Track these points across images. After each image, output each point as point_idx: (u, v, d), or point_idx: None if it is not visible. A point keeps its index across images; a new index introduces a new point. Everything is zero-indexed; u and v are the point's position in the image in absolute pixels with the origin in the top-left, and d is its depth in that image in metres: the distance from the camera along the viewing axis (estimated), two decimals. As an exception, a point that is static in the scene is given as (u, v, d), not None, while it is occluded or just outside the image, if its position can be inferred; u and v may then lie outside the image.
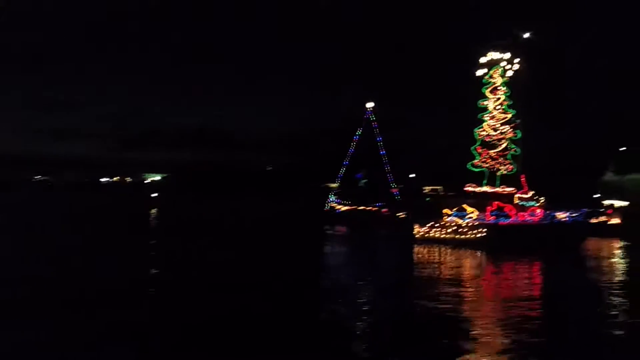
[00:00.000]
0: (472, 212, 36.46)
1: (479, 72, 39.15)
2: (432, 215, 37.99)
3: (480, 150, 38.94)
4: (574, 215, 35.42)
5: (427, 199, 56.02)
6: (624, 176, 70.87)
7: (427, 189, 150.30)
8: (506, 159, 38.23)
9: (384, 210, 50.80)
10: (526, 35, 38.69)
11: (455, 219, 36.67)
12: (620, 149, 77.35)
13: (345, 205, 52.27)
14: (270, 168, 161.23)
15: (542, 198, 37.52)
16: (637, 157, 71.95)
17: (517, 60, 38.44)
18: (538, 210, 36.02)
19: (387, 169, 54.73)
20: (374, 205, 51.16)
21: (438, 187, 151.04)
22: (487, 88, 39.04)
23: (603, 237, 38.21)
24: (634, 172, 70.62)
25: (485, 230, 35.29)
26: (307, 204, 66.65)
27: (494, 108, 38.79)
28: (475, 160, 39.08)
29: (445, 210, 37.37)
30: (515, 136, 38.22)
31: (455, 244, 35.28)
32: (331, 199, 52.88)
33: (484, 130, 38.96)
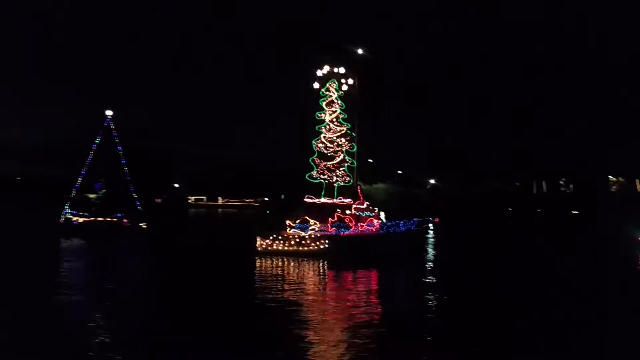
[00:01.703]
0: (315, 224, 36.55)
1: (316, 85, 39.58)
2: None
3: (318, 162, 39.31)
4: (407, 224, 37.44)
5: (267, 212, 55.33)
6: (371, 185, 78.75)
7: (191, 198, 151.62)
8: (343, 171, 39.08)
9: (124, 221, 49.82)
10: (360, 51, 40.12)
11: (298, 231, 36.39)
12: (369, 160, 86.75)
13: (82, 216, 49.51)
14: (19, 178, 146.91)
15: (376, 208, 38.97)
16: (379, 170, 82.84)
17: (351, 75, 39.72)
18: (375, 221, 37.36)
19: (129, 179, 53.22)
20: (114, 216, 49.74)
21: (203, 197, 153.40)
22: (323, 101, 39.61)
23: None
24: (380, 182, 79.04)
25: (327, 241, 35.56)
26: (44, 216, 61.25)
27: (331, 121, 39.48)
28: (313, 172, 39.34)
29: (288, 222, 36.90)
30: (352, 149, 39.29)
31: (298, 256, 35.01)
32: (66, 210, 49.68)
33: (321, 142, 39.42)
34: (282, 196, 52.29)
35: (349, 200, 38.57)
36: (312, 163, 39.41)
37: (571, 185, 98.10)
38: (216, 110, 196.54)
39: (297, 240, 35.86)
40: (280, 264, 33.15)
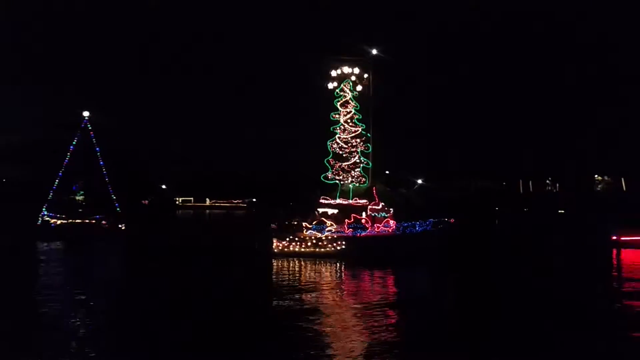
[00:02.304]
0: (331, 225, 36.40)
1: (330, 85, 39.43)
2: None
3: (332, 163, 39.16)
4: (423, 225, 37.24)
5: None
6: (355, 185, 78.38)
7: (179, 199, 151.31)
8: (358, 172, 38.92)
9: (103, 222, 49.72)
10: (374, 51, 39.99)
11: (314, 232, 36.23)
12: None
13: (60, 218, 49.27)
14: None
15: (391, 209, 38.75)
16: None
17: (366, 75, 39.61)
18: (391, 222, 37.19)
19: (107, 180, 53.08)
20: (92, 217, 49.48)
21: (190, 198, 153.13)
22: (338, 101, 39.45)
23: None
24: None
25: (344, 242, 35.43)
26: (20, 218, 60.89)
27: (345, 121, 39.32)
28: (328, 173, 39.19)
29: (305, 224, 36.74)
30: (367, 149, 39.12)
31: (315, 257, 34.88)
32: (44, 213, 49.44)
33: (335, 143, 39.26)
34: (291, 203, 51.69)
35: (365, 201, 38.40)
36: (327, 164, 39.26)
37: (557, 185, 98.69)
38: (205, 111, 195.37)
39: (314, 241, 35.73)
40: (297, 266, 33.08)
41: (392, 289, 27.49)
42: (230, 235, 53.19)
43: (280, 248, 36.13)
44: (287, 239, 36.13)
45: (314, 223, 36.69)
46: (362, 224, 36.65)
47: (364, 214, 37.44)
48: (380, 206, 38.16)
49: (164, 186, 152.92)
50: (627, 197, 76.66)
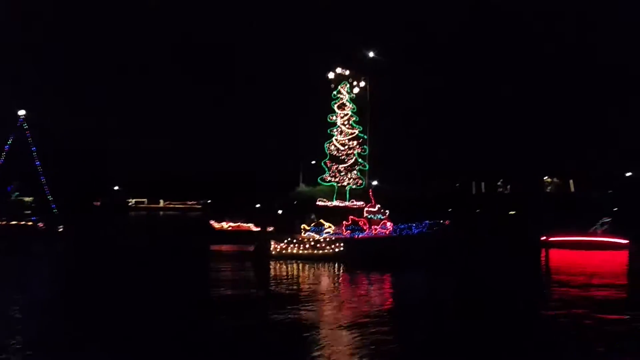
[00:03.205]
0: (329, 227, 36.53)
1: (333, 88, 39.55)
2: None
3: (329, 165, 39.27)
4: (419, 227, 37.53)
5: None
6: (315, 187, 78.78)
7: (132, 201, 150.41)
8: (355, 174, 39.08)
9: (40, 224, 49.28)
10: (371, 54, 40.20)
11: (312, 234, 36.34)
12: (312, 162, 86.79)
13: None
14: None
15: (387, 211, 38.95)
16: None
17: (363, 77, 39.80)
18: (388, 224, 37.42)
19: (43, 181, 52.72)
20: (28, 219, 49.15)
21: (144, 200, 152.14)
22: (335, 103, 39.57)
23: None
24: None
25: (342, 244, 35.58)
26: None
27: (342, 123, 39.45)
28: (325, 175, 39.30)
29: (303, 226, 36.84)
30: (364, 152, 39.29)
31: (314, 260, 34.96)
32: None
33: (333, 145, 39.37)
34: (280, 211, 51.19)
35: (361, 203, 38.57)
36: (324, 166, 39.37)
37: (508, 186, 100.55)
38: (163, 112, 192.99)
39: (312, 243, 35.82)
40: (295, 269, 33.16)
41: (393, 295, 27.62)
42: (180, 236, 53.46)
43: (278, 250, 36.17)
44: (285, 241, 36.18)
45: (312, 225, 36.80)
46: (359, 225, 36.82)
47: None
48: (376, 208, 38.36)
49: (116, 187, 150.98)
50: (575, 198, 78.48)
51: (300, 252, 35.79)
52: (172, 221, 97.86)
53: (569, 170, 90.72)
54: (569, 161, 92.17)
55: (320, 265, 33.76)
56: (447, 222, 39.25)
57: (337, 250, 35.45)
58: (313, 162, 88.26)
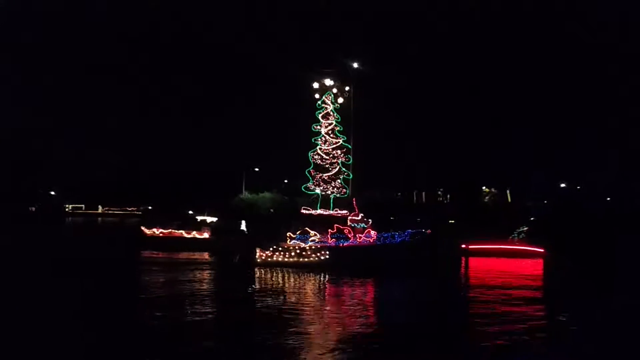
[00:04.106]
0: (315, 235, 36.76)
1: (317, 97, 39.92)
2: None
3: (313, 173, 39.57)
4: (402, 236, 38.15)
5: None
6: (257, 194, 79.82)
7: (68, 206, 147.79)
8: (339, 183, 39.47)
9: None
10: (355, 65, 40.79)
11: (298, 242, 36.50)
12: (254, 170, 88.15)
13: None
14: None
15: (370, 220, 39.45)
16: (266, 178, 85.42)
17: (347, 87, 40.33)
18: (372, 232, 37.90)
19: None
20: None
21: (81, 205, 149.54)
22: (320, 113, 39.96)
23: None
24: (266, 191, 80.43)
25: (327, 252, 35.84)
26: None
27: (326, 133, 39.85)
28: (309, 183, 39.58)
29: (288, 234, 36.98)
30: (347, 161, 39.73)
31: (298, 267, 35.10)
32: None
33: (317, 154, 39.71)
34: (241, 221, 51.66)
35: (345, 211, 38.97)
36: (308, 175, 39.65)
37: (448, 196, 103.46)
38: (103, 116, 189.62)
39: (298, 251, 35.98)
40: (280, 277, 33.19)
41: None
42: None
43: (263, 258, 36.20)
44: (271, 249, 36.25)
45: (297, 233, 36.98)
46: (344, 234, 37.19)
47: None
48: (360, 217, 38.82)
49: (52, 192, 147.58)
50: (510, 208, 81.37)
51: (286, 260, 35.90)
52: (107, 228, 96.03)
53: (507, 181, 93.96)
54: (508, 173, 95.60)
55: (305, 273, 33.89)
56: (429, 231, 40.04)
57: (322, 258, 35.69)
58: (256, 169, 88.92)
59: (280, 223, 42.70)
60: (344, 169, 39.75)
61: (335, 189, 39.42)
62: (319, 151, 39.71)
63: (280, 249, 36.20)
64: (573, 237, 56.56)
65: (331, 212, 39.10)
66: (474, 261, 41.66)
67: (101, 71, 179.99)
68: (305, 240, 36.62)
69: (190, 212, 73.35)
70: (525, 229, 47.14)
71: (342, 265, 34.83)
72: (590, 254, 47.33)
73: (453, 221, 71.64)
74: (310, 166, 39.70)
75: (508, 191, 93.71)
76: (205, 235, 50.00)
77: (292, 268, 35.04)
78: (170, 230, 50.16)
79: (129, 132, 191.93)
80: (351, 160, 39.82)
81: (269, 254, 36.16)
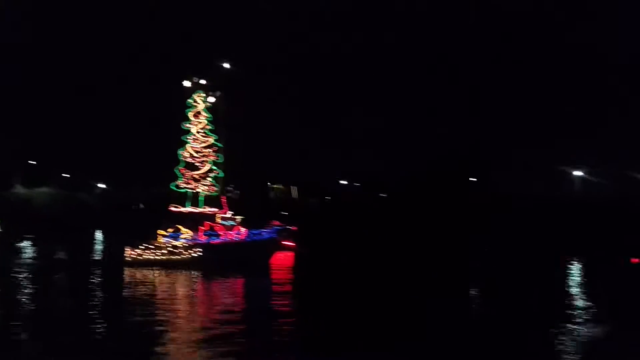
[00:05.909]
0: (187, 233, 37.05)
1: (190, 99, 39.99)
2: None
3: (183, 172, 39.68)
4: (270, 233, 39.83)
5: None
6: (32, 189, 78.33)
7: None
8: (209, 181, 39.99)
9: None
10: (226, 65, 41.62)
11: (170, 240, 36.53)
12: (30, 162, 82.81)
13: None
14: None
15: (238, 218, 40.46)
16: (46, 172, 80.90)
17: (218, 87, 41.00)
18: (242, 229, 39.08)
19: None
20: None
21: None
22: (190, 111, 40.15)
23: None
24: (43, 186, 78.49)
25: (200, 249, 36.37)
26: None
27: (197, 132, 40.15)
28: (179, 181, 39.62)
29: (160, 232, 36.80)
30: (217, 159, 40.37)
31: (171, 265, 35.25)
32: None
33: (187, 152, 39.85)
34: (141, 205, 48.99)
35: (215, 209, 39.65)
36: (177, 173, 39.66)
37: (237, 192, 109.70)
38: None
39: (170, 249, 36.06)
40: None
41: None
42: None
43: (134, 257, 35.75)
44: (141, 247, 35.91)
45: (168, 230, 36.98)
46: (215, 231, 37.92)
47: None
48: (229, 215, 39.80)
49: None
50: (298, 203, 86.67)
51: (157, 258, 35.81)
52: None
53: (294, 178, 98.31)
54: (295, 170, 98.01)
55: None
56: (294, 228, 42.23)
57: (194, 255, 36.15)
58: (33, 162, 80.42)
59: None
60: (214, 167, 40.33)
61: (206, 187, 39.91)
62: (188, 149, 39.86)
63: (151, 247, 35.99)
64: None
65: (201, 209, 39.53)
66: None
67: None
68: (177, 238, 36.77)
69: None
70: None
71: (213, 261, 35.58)
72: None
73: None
74: (179, 164, 39.74)
75: (293, 188, 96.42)
76: None
77: (163, 266, 35.07)
78: None
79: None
80: (222, 159, 40.51)
81: (139, 253, 35.80)
